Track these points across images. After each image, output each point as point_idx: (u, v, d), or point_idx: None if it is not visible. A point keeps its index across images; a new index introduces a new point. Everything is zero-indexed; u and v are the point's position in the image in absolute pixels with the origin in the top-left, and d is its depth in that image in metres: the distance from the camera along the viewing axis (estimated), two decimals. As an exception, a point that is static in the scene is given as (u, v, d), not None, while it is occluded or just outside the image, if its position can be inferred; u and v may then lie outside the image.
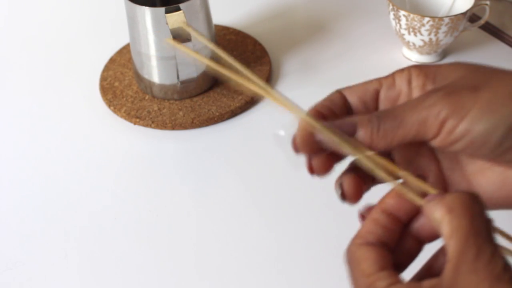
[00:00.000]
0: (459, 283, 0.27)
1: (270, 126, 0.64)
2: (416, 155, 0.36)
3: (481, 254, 0.27)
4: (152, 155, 0.64)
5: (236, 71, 0.35)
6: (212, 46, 0.36)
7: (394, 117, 0.32)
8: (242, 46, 0.77)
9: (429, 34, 0.70)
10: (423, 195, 0.32)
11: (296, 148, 0.33)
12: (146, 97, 0.70)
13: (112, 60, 0.76)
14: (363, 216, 0.34)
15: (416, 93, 0.34)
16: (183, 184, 0.62)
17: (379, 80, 0.35)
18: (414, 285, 0.30)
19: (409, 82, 0.34)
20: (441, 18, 0.68)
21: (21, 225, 0.57)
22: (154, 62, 0.67)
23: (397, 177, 0.34)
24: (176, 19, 0.62)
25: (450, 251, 0.28)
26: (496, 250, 0.28)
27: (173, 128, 0.66)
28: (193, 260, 0.54)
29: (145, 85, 0.70)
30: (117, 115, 0.68)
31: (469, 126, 0.31)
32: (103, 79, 0.73)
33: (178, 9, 0.63)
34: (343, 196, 0.34)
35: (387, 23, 0.76)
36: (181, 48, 0.37)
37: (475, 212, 0.29)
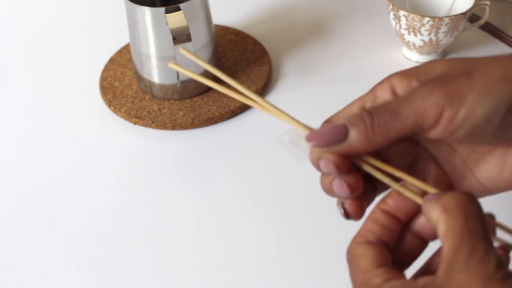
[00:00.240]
0: (452, 281, 0.27)
1: (270, 126, 0.64)
2: (413, 158, 0.36)
3: (474, 253, 0.27)
4: (152, 155, 0.64)
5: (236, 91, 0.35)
6: (211, 69, 0.36)
7: (389, 110, 0.31)
8: (242, 46, 0.77)
9: (429, 34, 0.70)
10: (423, 194, 0.33)
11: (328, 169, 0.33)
12: (146, 97, 0.70)
13: (112, 60, 0.76)
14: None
15: (404, 93, 0.33)
16: (183, 184, 0.62)
17: (361, 98, 0.34)
18: (409, 282, 0.30)
19: (392, 90, 0.33)
20: (441, 18, 0.68)
21: (21, 225, 0.57)
22: (154, 62, 0.67)
23: (397, 179, 0.34)
24: (176, 19, 0.62)
25: (444, 250, 0.29)
26: (490, 249, 0.28)
27: (173, 128, 0.66)
28: (193, 260, 0.54)
29: (145, 85, 0.70)
30: (117, 115, 0.68)
31: (470, 111, 0.30)
32: (103, 79, 0.73)
33: (178, 9, 0.63)
34: (347, 216, 0.34)
35: (387, 23, 0.76)
36: (185, 72, 0.38)
37: (470, 212, 0.29)
